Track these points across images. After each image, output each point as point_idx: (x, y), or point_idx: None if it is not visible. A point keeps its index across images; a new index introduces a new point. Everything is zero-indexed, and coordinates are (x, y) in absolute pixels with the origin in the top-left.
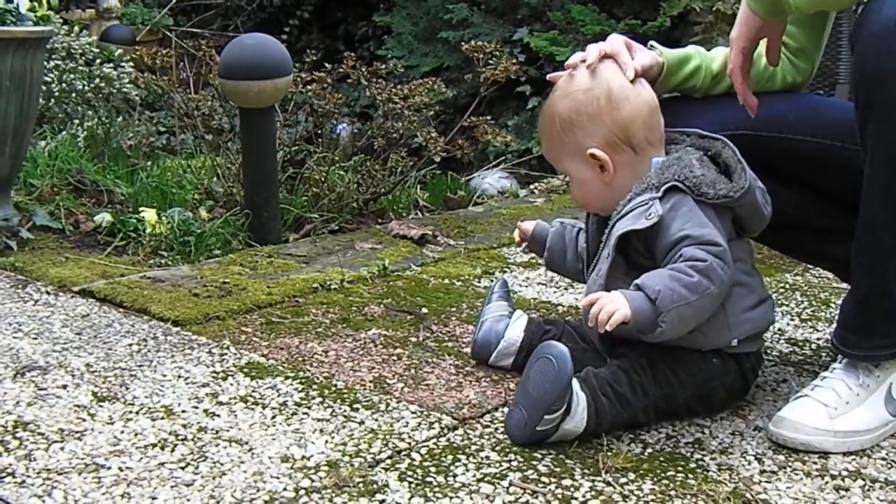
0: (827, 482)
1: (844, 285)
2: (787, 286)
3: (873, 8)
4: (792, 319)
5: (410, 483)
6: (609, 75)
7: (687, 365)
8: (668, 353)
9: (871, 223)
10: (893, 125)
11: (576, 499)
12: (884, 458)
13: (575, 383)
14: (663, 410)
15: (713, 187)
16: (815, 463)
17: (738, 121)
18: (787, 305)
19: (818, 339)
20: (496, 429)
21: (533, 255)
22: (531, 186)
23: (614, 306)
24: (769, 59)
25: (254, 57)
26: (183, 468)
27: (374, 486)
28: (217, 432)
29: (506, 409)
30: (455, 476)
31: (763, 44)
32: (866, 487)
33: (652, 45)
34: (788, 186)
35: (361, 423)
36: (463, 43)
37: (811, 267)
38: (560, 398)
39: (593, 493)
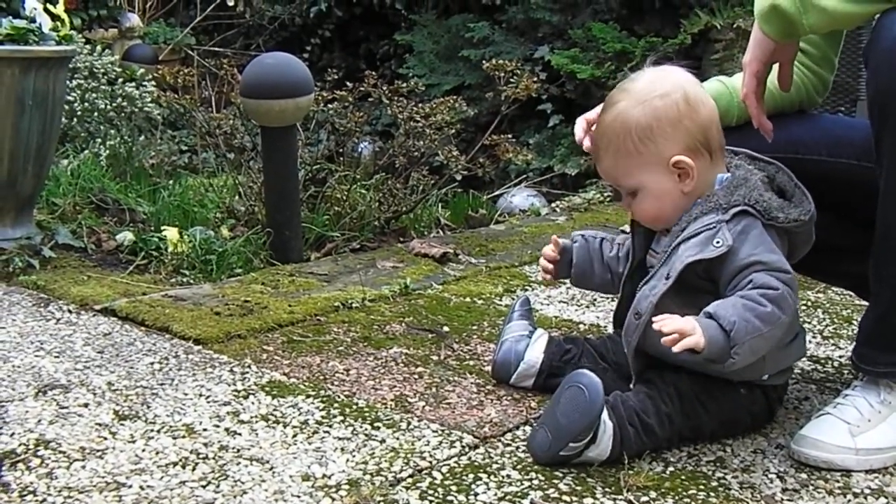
0: (849, 500)
1: (865, 303)
2: (809, 303)
3: (885, 24)
4: (814, 337)
5: (431, 502)
6: (679, 77)
7: (715, 395)
8: (697, 383)
9: (887, 236)
10: None
11: None
12: None
13: (603, 412)
14: (688, 438)
15: (783, 211)
16: (838, 481)
17: (754, 144)
18: (809, 323)
19: (840, 356)
20: (517, 447)
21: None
22: (553, 204)
23: (689, 332)
24: (781, 86)
25: (275, 76)
26: (204, 487)
27: None
28: (238, 451)
29: (527, 428)
30: (476, 495)
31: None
32: None
33: None
34: None
35: (382, 441)
36: (484, 61)
37: None
38: (587, 429)
39: None
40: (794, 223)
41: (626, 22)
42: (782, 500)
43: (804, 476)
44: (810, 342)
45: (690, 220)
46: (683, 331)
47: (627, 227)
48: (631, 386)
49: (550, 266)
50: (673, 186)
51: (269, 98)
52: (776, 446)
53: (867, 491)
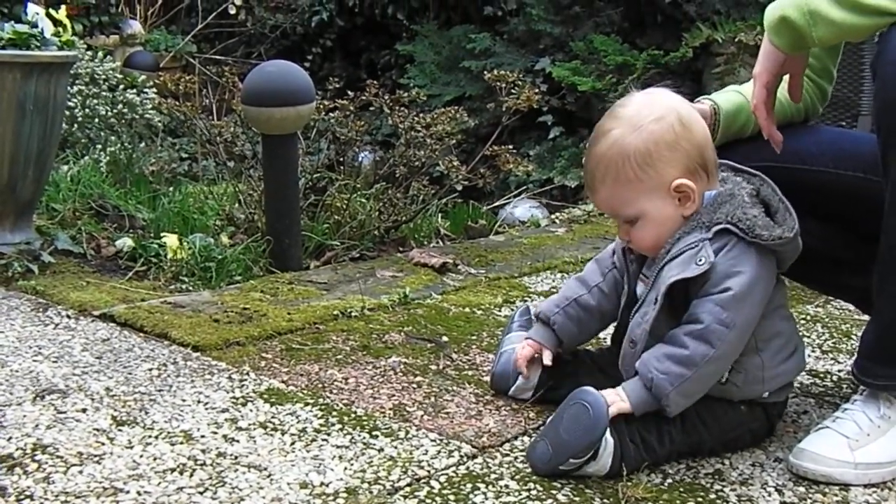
0: None
1: (866, 317)
2: (809, 318)
3: (892, 36)
4: (813, 351)
5: None
6: (669, 100)
7: (716, 413)
8: (699, 401)
9: (892, 250)
10: None
11: None
12: None
13: (606, 431)
14: (687, 454)
15: (767, 229)
16: (836, 495)
17: (761, 154)
18: (809, 337)
19: (839, 370)
20: (516, 458)
21: (554, 286)
22: (552, 216)
23: (615, 402)
24: (792, 97)
25: (277, 84)
26: (202, 493)
27: None
28: (236, 458)
29: (526, 439)
30: None
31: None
32: None
33: (701, 99)
34: (812, 219)
35: (381, 450)
36: (486, 72)
37: (832, 298)
38: (589, 448)
39: None
40: (778, 241)
41: (628, 35)
42: None
43: (802, 490)
44: (809, 356)
45: (674, 241)
46: (610, 403)
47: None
48: None
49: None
50: (674, 211)
51: (271, 106)
52: (774, 459)
53: None
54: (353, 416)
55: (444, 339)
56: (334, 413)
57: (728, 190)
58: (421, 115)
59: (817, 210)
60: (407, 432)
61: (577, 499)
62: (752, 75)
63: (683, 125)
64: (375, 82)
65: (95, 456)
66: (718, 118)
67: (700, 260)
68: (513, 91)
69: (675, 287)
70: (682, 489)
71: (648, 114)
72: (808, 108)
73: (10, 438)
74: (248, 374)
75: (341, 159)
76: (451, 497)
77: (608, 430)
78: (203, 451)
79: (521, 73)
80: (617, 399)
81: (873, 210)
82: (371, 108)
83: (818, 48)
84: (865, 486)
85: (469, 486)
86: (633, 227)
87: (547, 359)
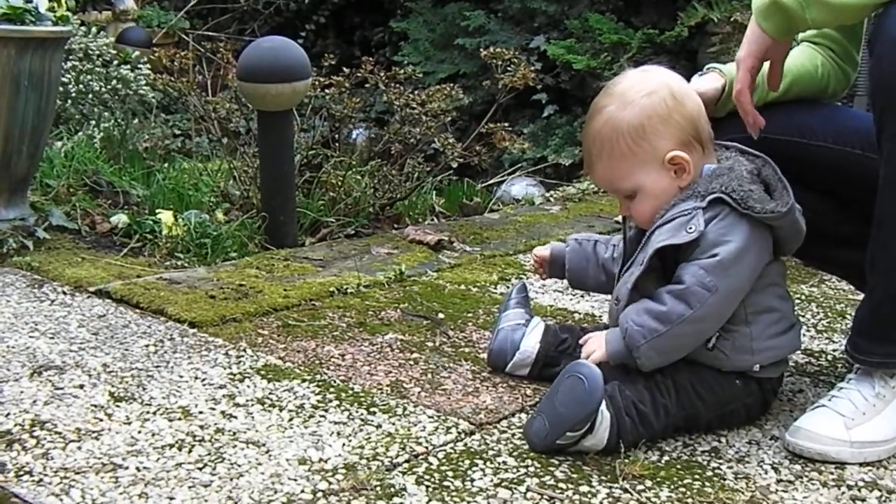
0: (843, 492)
1: (860, 297)
2: (804, 297)
3: (891, 13)
4: (808, 330)
5: (428, 487)
6: (661, 75)
7: (711, 386)
8: (693, 374)
9: (883, 226)
10: None
11: None
12: None
13: (602, 402)
14: (683, 429)
15: (761, 202)
16: (832, 473)
17: (768, 128)
18: (804, 317)
19: (834, 350)
20: (513, 434)
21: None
22: (547, 194)
23: (591, 349)
24: (771, 84)
25: (273, 60)
26: (200, 469)
27: (392, 489)
28: (234, 434)
29: (523, 416)
30: (472, 481)
31: (794, 54)
32: (883, 498)
33: (712, 67)
34: (809, 193)
35: (378, 426)
36: (481, 49)
37: (827, 278)
38: (585, 420)
39: (610, 499)
40: (771, 214)
41: (623, 13)
42: (777, 490)
43: (798, 468)
44: (804, 335)
45: (669, 207)
46: (590, 351)
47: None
48: None
49: (539, 267)
50: (670, 183)
51: (266, 82)
52: (771, 438)
53: (861, 483)
54: (350, 392)
55: (441, 315)
56: (332, 389)
57: (728, 164)
58: (416, 92)
59: (815, 184)
60: (404, 409)
61: (574, 475)
62: (736, 59)
63: (675, 98)
64: (370, 59)
65: (94, 432)
66: (725, 84)
67: (691, 228)
68: (508, 69)
69: (666, 251)
70: (679, 466)
71: (641, 89)
72: (825, 89)
73: (9, 415)
74: (244, 350)
75: (336, 136)
76: (450, 473)
77: (605, 404)
78: (201, 427)
79: (516, 50)
80: (597, 348)
81: (870, 187)
82: (366, 86)
83: (838, 33)
84: (861, 464)
85: (467, 462)
86: (631, 202)
87: (543, 250)
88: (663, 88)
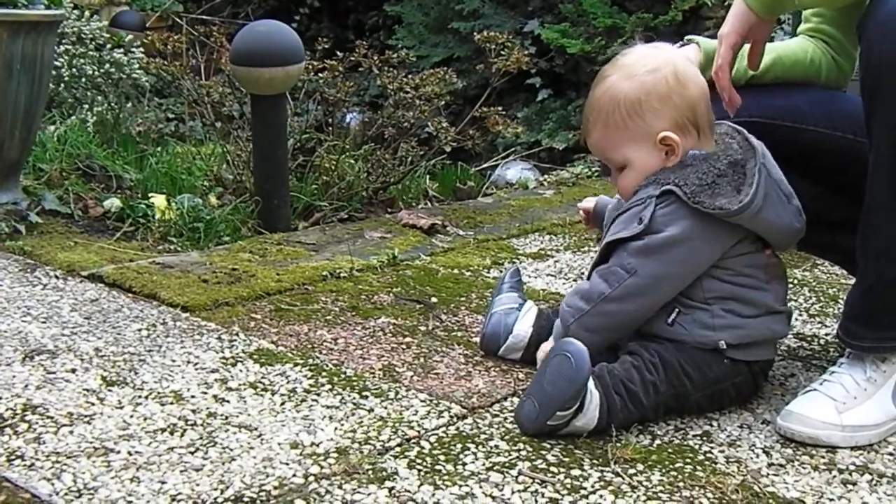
0: (835, 476)
1: (853, 281)
2: (796, 281)
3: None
4: (800, 315)
5: (420, 471)
6: (669, 55)
7: (699, 364)
8: (681, 352)
9: (875, 210)
10: None
11: (584, 489)
12: (891, 454)
13: (589, 381)
14: (673, 408)
15: (712, 197)
16: (823, 457)
17: (753, 109)
18: (796, 301)
19: (826, 334)
20: (505, 418)
21: (542, 248)
22: (541, 178)
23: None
24: (750, 63)
25: (266, 44)
26: (192, 453)
27: (384, 473)
28: (226, 418)
29: (515, 399)
30: (464, 464)
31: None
32: (873, 482)
33: (689, 40)
34: (801, 177)
35: (371, 410)
36: (475, 33)
37: (819, 263)
38: (574, 398)
39: (602, 483)
40: (719, 211)
41: None
42: (768, 474)
43: (790, 451)
44: (797, 320)
45: (637, 190)
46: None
47: None
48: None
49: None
50: (659, 163)
51: (260, 66)
52: (762, 422)
53: (852, 467)
54: (342, 376)
55: (433, 300)
56: (324, 373)
57: (709, 153)
58: (410, 76)
59: (806, 168)
60: (397, 393)
61: (566, 459)
62: (719, 35)
63: (678, 79)
64: (364, 43)
65: (86, 416)
66: (702, 58)
67: (640, 219)
68: (502, 53)
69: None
70: (670, 450)
71: (645, 64)
72: (813, 77)
73: (0, 399)
74: (237, 334)
75: (329, 120)
76: (442, 457)
77: (593, 383)
78: (193, 412)
79: (510, 34)
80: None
81: (861, 171)
82: (359, 70)
83: (832, 27)
84: (852, 448)
85: (459, 446)
86: (620, 174)
87: (588, 202)
88: (667, 67)
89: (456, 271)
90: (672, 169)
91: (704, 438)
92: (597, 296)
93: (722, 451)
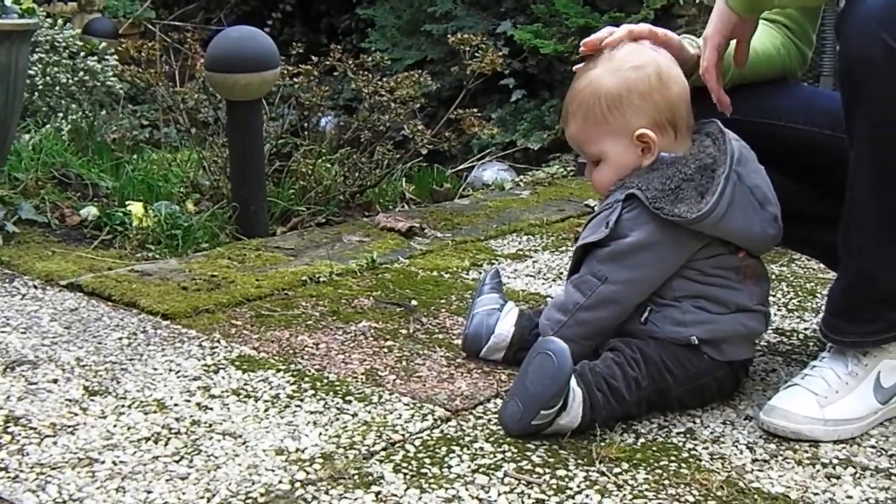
0: (818, 470)
1: (831, 275)
2: (774, 277)
3: None
4: (779, 310)
5: (405, 474)
6: (654, 54)
7: (680, 360)
8: (661, 349)
9: (856, 206)
10: (879, 109)
11: (570, 489)
12: (873, 447)
13: (572, 378)
14: (656, 404)
15: (672, 203)
16: (806, 451)
17: (733, 107)
18: (774, 296)
19: (805, 329)
20: (489, 420)
21: (520, 249)
22: (516, 179)
23: None
24: (737, 63)
25: (241, 50)
26: (177, 462)
27: (370, 477)
28: (210, 425)
29: (498, 401)
30: (450, 467)
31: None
32: (857, 475)
33: (685, 37)
34: (781, 174)
35: (354, 415)
36: (449, 35)
37: (797, 258)
38: (557, 395)
39: (588, 482)
40: (677, 218)
41: None
42: (752, 469)
43: (773, 447)
44: (775, 315)
45: (609, 192)
46: None
47: (591, 202)
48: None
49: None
50: (634, 160)
51: (235, 72)
52: (745, 418)
53: (835, 461)
54: (325, 381)
55: (414, 303)
56: (307, 379)
57: (678, 157)
58: (384, 79)
59: (787, 165)
60: (380, 397)
61: (551, 459)
62: (703, 37)
63: (661, 79)
64: (338, 47)
65: (69, 427)
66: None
67: (607, 223)
68: (476, 54)
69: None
70: (654, 448)
71: (630, 60)
72: (786, 70)
73: None
74: (218, 341)
75: (305, 124)
76: (427, 460)
77: (575, 380)
78: (177, 420)
79: (483, 36)
80: None
81: (841, 166)
82: (335, 73)
83: (798, 13)
84: (835, 442)
85: (444, 449)
86: (595, 168)
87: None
88: (651, 65)
89: (435, 273)
90: (640, 172)
91: (688, 435)
92: (572, 306)
93: (706, 448)
